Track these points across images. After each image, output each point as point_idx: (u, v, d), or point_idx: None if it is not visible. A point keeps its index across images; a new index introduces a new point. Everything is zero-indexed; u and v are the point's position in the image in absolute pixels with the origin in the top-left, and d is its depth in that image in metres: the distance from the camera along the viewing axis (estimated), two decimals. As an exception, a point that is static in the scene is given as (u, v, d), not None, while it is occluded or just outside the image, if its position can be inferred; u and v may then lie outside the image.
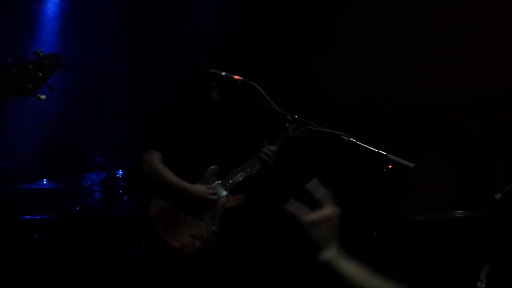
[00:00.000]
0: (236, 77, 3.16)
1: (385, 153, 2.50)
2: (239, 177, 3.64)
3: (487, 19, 4.79)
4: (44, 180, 5.18)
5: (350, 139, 2.59)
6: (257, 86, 2.97)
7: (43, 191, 5.23)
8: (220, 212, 3.57)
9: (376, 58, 5.11)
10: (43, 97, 2.27)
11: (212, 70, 3.34)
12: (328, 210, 1.91)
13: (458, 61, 4.81)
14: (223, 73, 3.30)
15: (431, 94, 4.84)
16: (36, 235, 4.87)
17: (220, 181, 3.63)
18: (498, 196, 3.73)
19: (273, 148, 3.66)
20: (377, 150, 2.52)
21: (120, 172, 5.21)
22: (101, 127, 6.46)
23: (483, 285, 3.19)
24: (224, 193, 3.61)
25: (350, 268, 1.84)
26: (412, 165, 2.43)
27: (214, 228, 3.52)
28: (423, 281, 4.06)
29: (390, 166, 2.51)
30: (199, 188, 3.52)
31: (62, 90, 6.33)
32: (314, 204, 1.99)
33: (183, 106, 3.77)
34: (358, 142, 2.58)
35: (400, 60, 4.97)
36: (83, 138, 6.37)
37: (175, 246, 3.40)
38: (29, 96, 2.21)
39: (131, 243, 4.75)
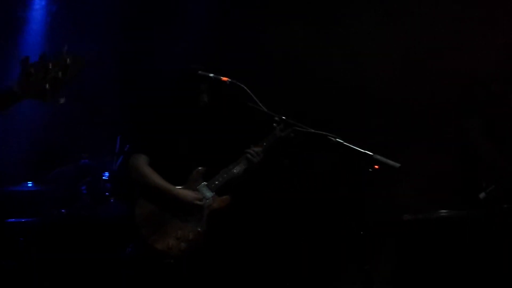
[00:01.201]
0: (224, 78, 3.19)
1: (371, 154, 2.53)
2: (225, 178, 3.66)
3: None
4: (29, 182, 5.13)
5: (337, 139, 2.62)
6: (245, 87, 2.99)
7: (28, 193, 5.18)
8: (206, 214, 3.59)
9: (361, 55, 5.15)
10: (62, 100, 2.02)
11: (200, 72, 3.36)
12: None
13: (441, 59, 4.86)
14: (211, 75, 3.32)
15: (413, 91, 4.89)
16: (21, 238, 4.83)
17: (206, 183, 3.65)
18: (482, 195, 3.79)
19: (258, 148, 3.67)
20: (363, 151, 2.55)
21: (107, 174, 5.18)
22: (88, 129, 6.44)
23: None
24: (210, 194, 3.63)
25: None
26: (397, 165, 2.47)
27: (199, 229, 3.55)
28: (410, 281, 4.10)
29: (376, 167, 2.54)
30: (185, 192, 3.55)
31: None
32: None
33: (171, 108, 3.78)
34: (344, 143, 2.61)
35: (386, 57, 5.01)
36: (69, 140, 6.34)
37: (160, 248, 3.43)
38: (45, 101, 1.98)
39: (118, 245, 4.73)
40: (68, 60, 1.97)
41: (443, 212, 4.06)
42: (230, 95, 3.17)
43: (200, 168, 3.64)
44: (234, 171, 3.66)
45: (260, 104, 2.95)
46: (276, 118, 2.94)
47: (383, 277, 4.01)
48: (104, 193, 5.10)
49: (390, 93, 4.89)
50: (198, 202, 3.54)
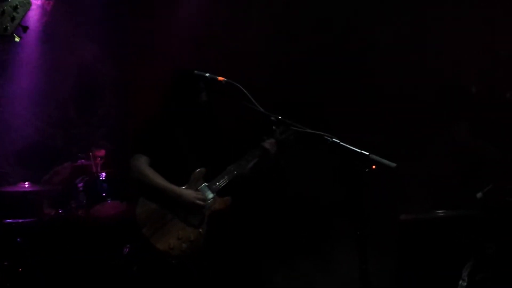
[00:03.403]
0: (220, 78, 3.16)
1: (368, 154, 2.52)
2: (226, 179, 3.65)
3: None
4: (26, 183, 5.12)
5: (333, 139, 2.60)
6: (240, 87, 2.97)
7: (25, 194, 5.17)
8: (207, 215, 3.58)
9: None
10: (20, 37, 2.49)
11: (196, 72, 3.34)
12: None
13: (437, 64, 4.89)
14: (207, 74, 3.30)
15: (411, 93, 4.91)
16: (18, 239, 4.82)
17: (207, 183, 3.64)
18: (479, 195, 3.78)
19: (272, 140, 3.67)
20: (359, 151, 2.53)
21: (104, 174, 5.17)
22: (85, 129, 6.44)
23: (465, 284, 3.23)
24: (211, 195, 3.63)
25: None
26: (394, 165, 2.46)
27: (200, 230, 3.54)
28: (408, 280, 4.10)
29: (373, 167, 2.53)
30: (187, 192, 3.55)
31: (47, 93, 6.36)
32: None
33: (171, 108, 3.77)
34: (341, 143, 2.59)
35: (389, 60, 5.04)
36: (66, 141, 6.34)
37: (162, 248, 3.42)
38: (8, 36, 2.44)
39: (115, 246, 4.72)
40: (17, 2, 2.45)
41: (440, 212, 4.06)
42: (226, 95, 3.14)
43: (201, 168, 3.64)
44: (237, 170, 3.65)
45: (256, 104, 2.93)
46: (273, 118, 2.91)
47: (381, 277, 4.01)
48: (101, 193, 5.09)
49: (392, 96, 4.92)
50: (200, 202, 3.54)
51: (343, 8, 5.41)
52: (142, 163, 3.58)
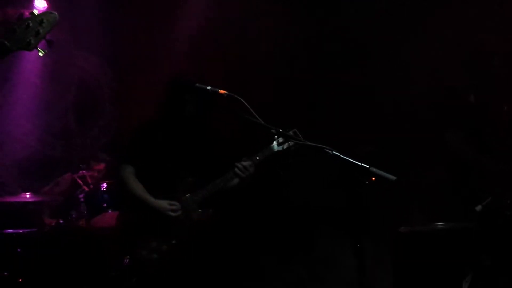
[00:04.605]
0: (222, 91, 3.18)
1: (368, 166, 2.54)
2: (210, 190, 3.66)
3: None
4: (27, 193, 5.13)
5: (334, 152, 2.62)
6: (242, 100, 2.99)
7: (26, 204, 5.18)
8: (187, 226, 3.61)
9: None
10: (44, 51, 2.49)
11: (197, 85, 3.36)
12: None
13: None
14: (209, 87, 3.31)
15: (406, 104, 4.95)
16: (18, 249, 4.82)
17: (190, 195, 3.66)
18: (478, 208, 3.80)
19: (247, 163, 3.65)
20: (360, 163, 2.55)
21: (104, 185, 5.19)
22: (86, 140, 6.44)
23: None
24: (193, 206, 3.64)
25: None
26: (393, 178, 2.47)
27: (173, 242, 3.55)
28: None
29: (373, 179, 2.55)
30: (160, 204, 3.58)
31: (48, 103, 6.38)
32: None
33: (158, 117, 3.80)
34: (341, 156, 2.61)
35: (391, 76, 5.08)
36: (67, 151, 6.35)
37: (138, 258, 3.48)
38: (31, 50, 2.43)
39: (115, 257, 4.72)
40: (43, 18, 2.46)
41: (440, 224, 4.07)
42: (227, 107, 3.16)
43: (188, 179, 3.67)
44: (221, 184, 3.66)
45: (257, 117, 2.95)
46: (273, 131, 2.94)
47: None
48: (102, 204, 5.10)
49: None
50: (173, 214, 3.56)
51: (342, 19, 5.47)
52: (127, 173, 3.64)
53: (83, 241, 4.91)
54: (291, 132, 3.17)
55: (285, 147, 3.64)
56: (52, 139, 6.36)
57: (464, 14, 4.95)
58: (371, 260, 3.34)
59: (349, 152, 2.61)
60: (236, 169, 3.65)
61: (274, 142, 3.66)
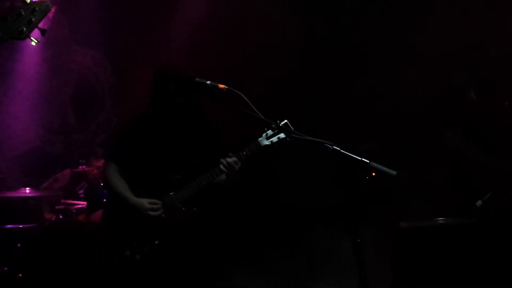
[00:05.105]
0: (221, 86, 3.16)
1: (368, 161, 2.53)
2: (194, 188, 3.54)
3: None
4: (27, 188, 5.13)
5: (334, 147, 2.61)
6: (241, 94, 2.98)
7: (26, 199, 5.17)
8: (170, 225, 3.52)
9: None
10: (37, 40, 2.44)
11: (197, 79, 3.34)
12: None
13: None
14: (208, 82, 3.29)
15: (405, 99, 4.95)
16: (18, 245, 4.82)
17: (174, 193, 3.56)
18: (479, 203, 3.79)
19: (233, 159, 3.51)
20: (360, 158, 2.54)
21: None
22: (85, 135, 6.44)
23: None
24: (176, 204, 3.54)
25: None
26: (394, 172, 2.47)
27: (156, 242, 3.47)
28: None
29: (373, 174, 2.54)
30: (141, 202, 3.50)
31: (47, 99, 6.37)
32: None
33: (148, 113, 3.67)
34: (341, 150, 2.60)
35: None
36: (66, 147, 6.35)
37: (122, 258, 3.42)
38: (23, 39, 2.38)
39: (115, 252, 4.72)
40: (35, 6, 2.40)
41: (441, 219, 4.06)
42: (227, 102, 3.13)
43: (176, 176, 3.56)
44: (205, 181, 3.54)
45: (257, 111, 2.94)
46: (273, 125, 2.92)
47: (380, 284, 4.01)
48: (102, 199, 5.09)
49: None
50: (153, 213, 3.49)
51: (337, 17, 5.46)
52: (110, 172, 3.57)
53: (83, 237, 4.91)
54: (281, 124, 3.07)
55: (274, 141, 3.50)
56: (52, 134, 6.36)
57: (463, 10, 4.93)
58: (372, 256, 3.33)
59: (349, 148, 2.61)
60: (221, 166, 3.51)
61: (263, 136, 3.51)
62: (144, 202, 3.50)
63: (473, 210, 3.83)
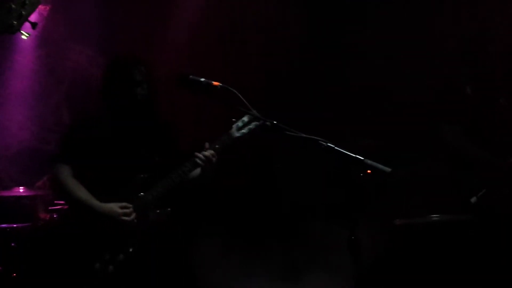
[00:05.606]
0: (215, 83, 3.15)
1: (362, 158, 2.53)
2: (167, 187, 3.30)
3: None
4: (21, 188, 5.10)
5: (328, 144, 2.61)
6: (236, 92, 2.97)
7: (20, 198, 5.15)
8: (145, 229, 3.25)
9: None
10: (28, 34, 2.41)
11: (191, 76, 3.32)
12: None
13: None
14: (202, 79, 3.27)
15: (402, 96, 4.96)
16: (12, 244, 4.79)
17: (144, 194, 3.31)
18: (473, 199, 3.80)
19: (210, 152, 3.32)
20: (354, 155, 2.55)
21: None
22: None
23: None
24: (147, 206, 3.29)
25: None
26: (388, 169, 2.47)
27: (131, 250, 3.20)
28: (402, 285, 4.10)
29: (368, 172, 2.55)
30: (110, 208, 3.20)
31: (42, 97, 6.35)
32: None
33: (105, 106, 3.42)
34: (335, 148, 2.60)
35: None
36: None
37: (91, 272, 3.17)
38: (14, 33, 2.36)
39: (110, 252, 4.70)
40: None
41: (435, 216, 4.07)
42: (221, 100, 3.11)
43: (139, 175, 3.30)
44: (178, 178, 3.30)
45: (251, 109, 2.93)
46: (268, 123, 2.91)
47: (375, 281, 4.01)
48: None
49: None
50: (126, 219, 3.18)
51: (336, 14, 5.47)
52: (64, 175, 3.23)
53: (77, 236, 4.88)
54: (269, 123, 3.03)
55: (245, 132, 3.39)
56: (46, 133, 6.33)
57: (461, 7, 4.94)
58: (367, 253, 3.33)
59: (346, 145, 2.61)
60: (197, 160, 3.29)
61: (233, 128, 3.41)
62: (114, 206, 3.19)
63: (467, 207, 3.84)
